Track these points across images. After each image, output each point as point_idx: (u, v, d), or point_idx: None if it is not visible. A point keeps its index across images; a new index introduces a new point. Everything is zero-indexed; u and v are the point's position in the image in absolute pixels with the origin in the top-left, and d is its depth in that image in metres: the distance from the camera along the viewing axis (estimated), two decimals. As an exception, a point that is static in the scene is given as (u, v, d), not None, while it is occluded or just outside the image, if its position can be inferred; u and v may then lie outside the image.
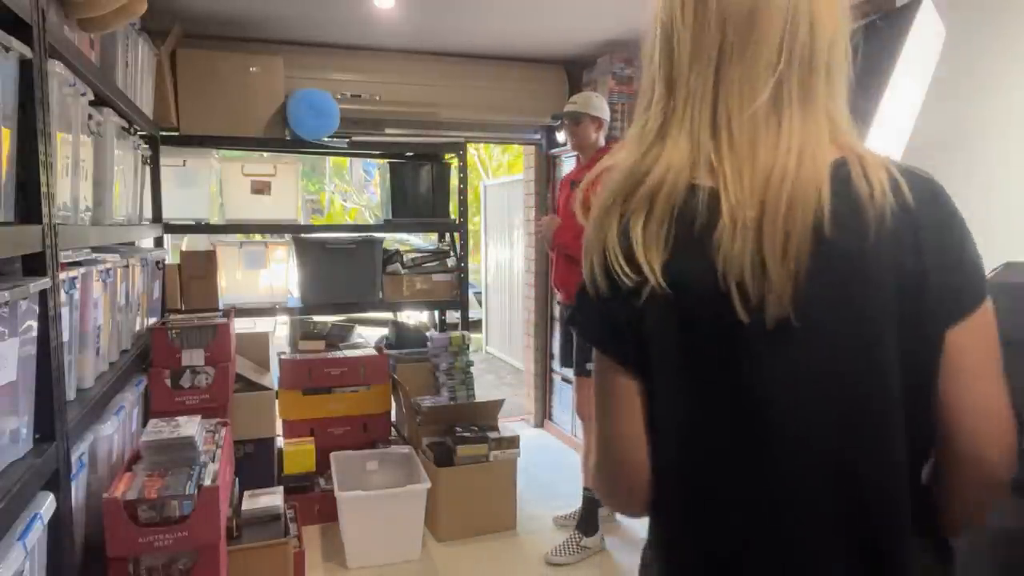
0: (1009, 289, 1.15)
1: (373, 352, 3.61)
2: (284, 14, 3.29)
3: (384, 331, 4.07)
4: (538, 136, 4.47)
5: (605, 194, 0.83)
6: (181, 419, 2.01)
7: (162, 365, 2.48)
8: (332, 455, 3.15)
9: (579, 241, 0.86)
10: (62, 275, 1.48)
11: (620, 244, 0.79)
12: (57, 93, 1.46)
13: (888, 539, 0.75)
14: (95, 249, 1.99)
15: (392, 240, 4.53)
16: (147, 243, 3.21)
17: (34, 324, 1.28)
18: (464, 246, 3.92)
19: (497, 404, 3.43)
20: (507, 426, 3.43)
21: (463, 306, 3.92)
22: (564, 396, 4.48)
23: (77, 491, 1.57)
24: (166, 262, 3.18)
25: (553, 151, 4.43)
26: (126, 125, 2.37)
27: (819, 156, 0.75)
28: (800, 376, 0.75)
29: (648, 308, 0.78)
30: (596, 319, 0.84)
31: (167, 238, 3.41)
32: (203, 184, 3.58)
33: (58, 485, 1.36)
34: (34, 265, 1.33)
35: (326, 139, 3.65)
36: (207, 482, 1.76)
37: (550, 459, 4.15)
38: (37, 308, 1.29)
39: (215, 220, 3.71)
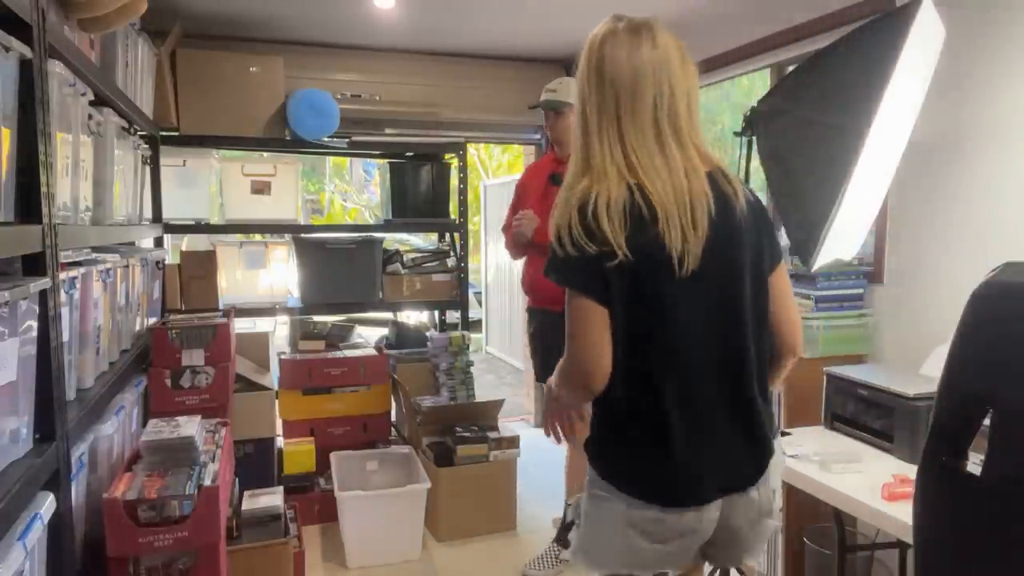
0: (1009, 289, 1.15)
1: (373, 352, 3.61)
2: (284, 14, 3.30)
3: (384, 331, 4.06)
4: (538, 136, 4.48)
5: (568, 208, 1.26)
6: (181, 419, 2.01)
7: (162, 365, 2.48)
8: (332, 455, 3.15)
9: None
10: (62, 275, 1.48)
11: (591, 226, 1.23)
12: (57, 93, 1.46)
13: (747, 386, 1.31)
14: (95, 249, 1.99)
15: (392, 240, 4.53)
16: (147, 243, 3.21)
17: (34, 324, 1.29)
18: (464, 246, 3.92)
19: (497, 404, 3.43)
20: (507, 426, 3.43)
21: (463, 306, 3.92)
22: (564, 396, 4.46)
23: (77, 491, 1.57)
24: (166, 262, 3.18)
25: (553, 151, 4.44)
26: (126, 125, 2.36)
27: (699, 171, 1.28)
28: (700, 301, 1.27)
29: (615, 266, 1.22)
30: (578, 272, 1.25)
31: (167, 238, 3.41)
32: (203, 184, 3.58)
33: (58, 485, 1.36)
34: (34, 265, 1.33)
35: (326, 139, 3.65)
36: (207, 482, 1.76)
37: (550, 459, 4.13)
38: (37, 308, 1.29)
39: (215, 220, 3.71)
